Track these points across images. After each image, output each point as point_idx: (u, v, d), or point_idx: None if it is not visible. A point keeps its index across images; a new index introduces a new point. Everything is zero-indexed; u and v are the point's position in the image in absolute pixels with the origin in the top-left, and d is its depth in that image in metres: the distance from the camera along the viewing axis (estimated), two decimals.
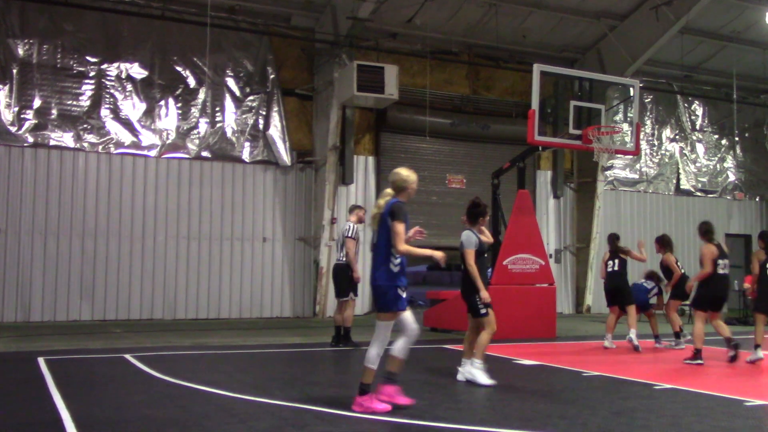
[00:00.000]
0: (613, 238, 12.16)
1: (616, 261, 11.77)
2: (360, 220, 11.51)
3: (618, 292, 11.69)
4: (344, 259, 11.21)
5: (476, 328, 8.07)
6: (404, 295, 6.26)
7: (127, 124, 15.94)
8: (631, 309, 11.49)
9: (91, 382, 7.76)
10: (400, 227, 6.19)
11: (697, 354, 9.61)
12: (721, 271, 9.75)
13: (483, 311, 7.89)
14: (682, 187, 22.28)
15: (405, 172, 6.50)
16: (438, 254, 6.73)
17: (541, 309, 13.27)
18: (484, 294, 7.86)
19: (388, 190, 6.48)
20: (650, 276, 12.54)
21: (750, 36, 20.48)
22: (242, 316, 16.71)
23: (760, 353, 9.89)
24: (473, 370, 7.76)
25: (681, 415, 6.26)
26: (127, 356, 9.63)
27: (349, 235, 11.18)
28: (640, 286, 12.28)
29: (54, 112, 15.37)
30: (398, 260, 6.28)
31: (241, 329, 14.21)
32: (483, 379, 7.65)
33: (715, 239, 9.97)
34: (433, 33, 18.27)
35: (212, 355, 10.30)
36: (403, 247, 6.22)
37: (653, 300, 12.48)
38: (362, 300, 17.79)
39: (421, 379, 8.17)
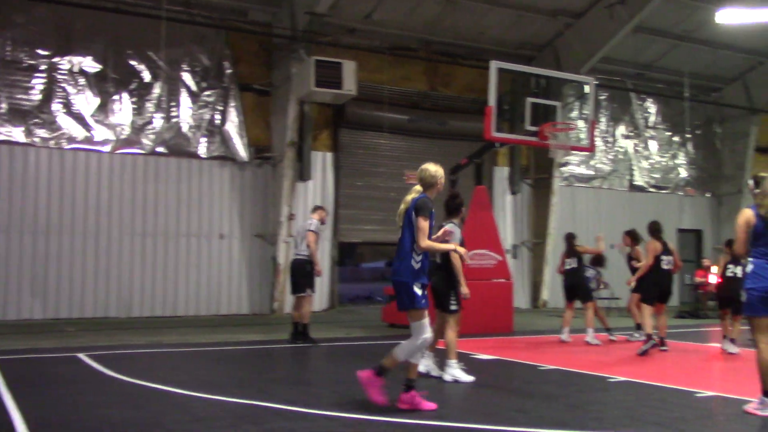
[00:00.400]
0: (569, 238, 12.34)
1: (574, 258, 11.98)
2: (322, 221, 11.51)
3: (575, 288, 11.89)
4: (303, 254, 11.15)
5: (442, 324, 7.97)
6: (421, 292, 6.17)
7: (79, 118, 15.63)
8: (588, 308, 11.70)
9: (44, 382, 7.60)
10: (423, 223, 6.13)
11: (648, 338, 10.02)
12: (664, 267, 10.40)
13: (453, 307, 7.87)
14: (635, 183, 22.66)
15: (433, 168, 6.46)
16: (461, 250, 6.78)
17: (498, 304, 13.38)
18: (466, 290, 7.86)
19: (417, 187, 6.43)
20: (594, 262, 12.75)
21: (701, 35, 20.90)
22: (199, 313, 16.53)
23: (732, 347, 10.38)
24: (453, 371, 7.78)
25: (635, 407, 6.37)
26: (81, 355, 9.46)
27: (311, 228, 11.15)
28: (583, 275, 12.48)
29: (3, 106, 15.00)
30: (420, 257, 6.20)
31: (197, 327, 14.06)
32: (463, 376, 7.70)
33: (663, 238, 10.54)
34: (392, 29, 18.29)
35: (168, 354, 10.17)
36: (425, 243, 6.16)
37: (592, 284, 12.81)
38: (320, 296, 17.77)
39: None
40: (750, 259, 6.10)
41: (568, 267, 12.00)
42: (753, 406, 6.01)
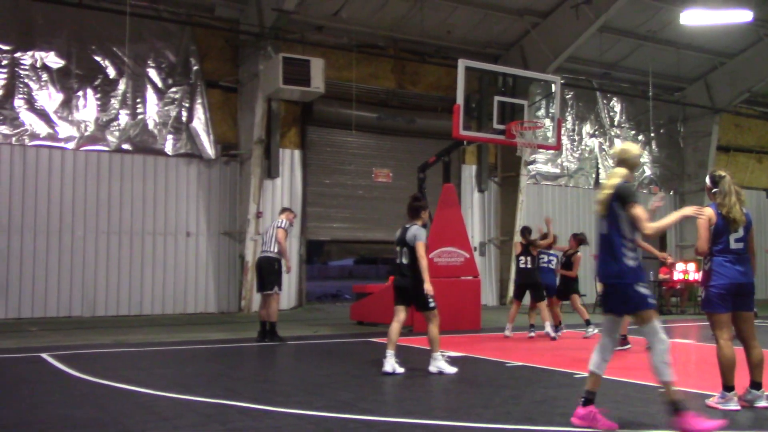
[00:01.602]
0: (525, 232, 12.41)
1: (528, 258, 12.01)
2: (291, 222, 11.54)
3: (528, 288, 12.04)
4: (272, 251, 11.08)
5: (403, 321, 8.33)
6: (647, 291, 5.48)
7: (42, 115, 15.38)
8: (542, 304, 11.85)
9: (6, 382, 7.47)
10: (639, 209, 5.38)
11: (588, 323, 11.64)
12: (521, 266, 12.06)
13: (432, 304, 8.13)
14: (601, 181, 22.91)
15: (634, 148, 5.84)
16: (687, 211, 6.03)
17: (465, 301, 13.44)
18: (428, 286, 8.08)
19: (618, 170, 5.61)
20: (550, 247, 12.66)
21: (665, 35, 21.20)
22: (165, 312, 16.37)
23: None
24: (438, 363, 8.05)
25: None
26: (44, 355, 9.31)
27: (281, 225, 11.12)
28: (546, 268, 12.49)
29: None
30: (633, 252, 5.49)
31: (163, 326, 13.93)
32: (447, 368, 8.00)
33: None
34: (359, 27, 18.27)
35: (134, 353, 10.06)
36: (653, 226, 5.41)
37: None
38: (288, 293, 17.71)
39: (347, 372, 8.18)
40: (709, 256, 6.19)
41: (522, 266, 12.05)
42: (715, 401, 6.11)
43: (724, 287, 6.03)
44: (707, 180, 6.29)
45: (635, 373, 8.18)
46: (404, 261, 8.25)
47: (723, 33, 20.67)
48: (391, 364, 7.93)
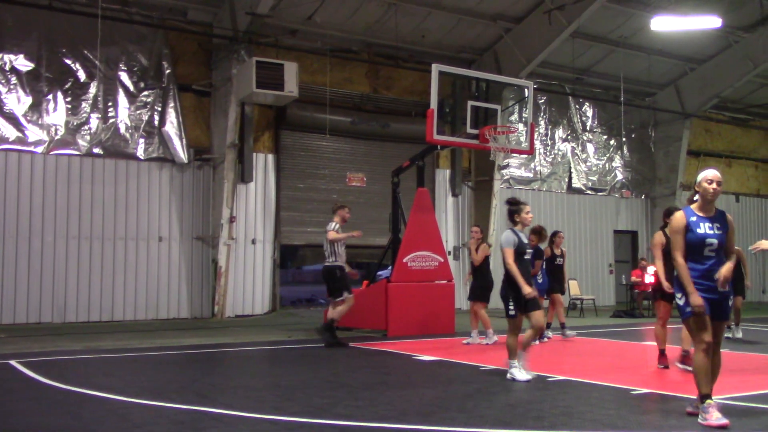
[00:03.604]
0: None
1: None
2: (344, 220, 11.80)
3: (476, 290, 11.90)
4: (330, 260, 11.51)
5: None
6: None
7: (11, 118, 15.16)
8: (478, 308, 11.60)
9: None
10: None
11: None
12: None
13: (511, 312, 7.90)
14: (573, 185, 23.11)
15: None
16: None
17: (440, 305, 13.48)
18: (527, 289, 7.80)
19: None
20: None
21: (636, 41, 21.45)
22: (137, 317, 16.19)
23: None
24: (512, 370, 7.83)
25: (573, 405, 6.49)
26: (13, 362, 9.17)
27: (330, 228, 11.54)
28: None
29: None
30: None
31: (136, 331, 13.78)
32: (520, 375, 7.75)
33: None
34: (333, 31, 18.26)
35: (105, 359, 9.94)
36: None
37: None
38: (262, 299, 17.65)
39: (321, 377, 8.15)
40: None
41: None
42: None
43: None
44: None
45: (610, 376, 8.24)
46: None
47: (693, 39, 20.97)
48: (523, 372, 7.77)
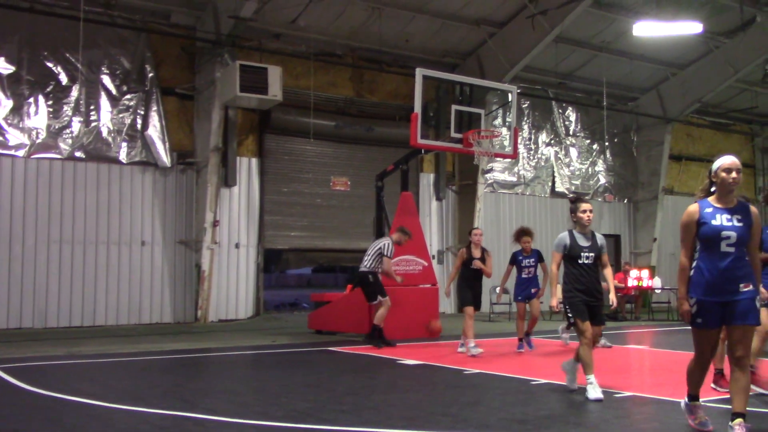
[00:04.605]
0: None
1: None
2: (399, 242, 12.24)
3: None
4: (365, 266, 11.97)
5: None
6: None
7: None
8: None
9: None
10: None
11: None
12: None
13: (572, 320, 7.18)
14: (557, 189, 23.21)
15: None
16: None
17: (424, 309, 13.46)
18: (553, 300, 7.33)
19: None
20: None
21: (618, 46, 21.61)
22: (119, 322, 16.09)
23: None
24: (587, 387, 6.93)
25: (557, 408, 6.51)
26: None
27: (386, 254, 11.92)
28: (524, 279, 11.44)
29: None
30: None
31: (118, 336, 13.69)
32: (592, 393, 6.81)
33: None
34: (317, 35, 18.25)
35: (87, 365, 9.86)
36: None
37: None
38: (245, 303, 17.61)
39: (305, 382, 8.12)
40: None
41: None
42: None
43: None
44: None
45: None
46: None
47: (674, 44, 21.14)
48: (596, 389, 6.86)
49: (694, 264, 5.30)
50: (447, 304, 20.34)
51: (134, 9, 16.43)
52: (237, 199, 17.61)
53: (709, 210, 5.24)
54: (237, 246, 17.56)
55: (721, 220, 5.19)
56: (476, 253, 10.75)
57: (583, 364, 7.03)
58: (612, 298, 7.38)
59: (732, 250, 5.16)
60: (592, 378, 6.90)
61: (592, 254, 7.18)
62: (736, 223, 5.19)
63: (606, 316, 8.71)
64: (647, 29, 18.42)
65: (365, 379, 8.49)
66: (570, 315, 7.12)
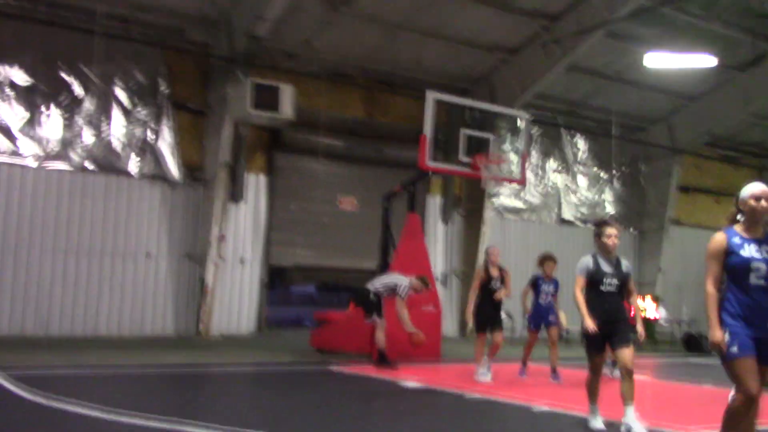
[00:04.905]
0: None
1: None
2: (415, 289, 11.97)
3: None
4: (371, 286, 11.96)
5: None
6: None
7: (5, 131, 15.11)
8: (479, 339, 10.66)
9: None
10: None
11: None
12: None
13: (587, 350, 6.85)
14: (563, 217, 23.17)
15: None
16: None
17: (426, 331, 13.35)
18: (587, 322, 6.73)
19: None
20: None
21: (629, 76, 21.65)
22: (121, 333, 16.06)
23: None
24: (625, 419, 6.64)
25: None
26: None
27: (401, 294, 11.74)
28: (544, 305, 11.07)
29: None
30: None
31: (119, 347, 13.68)
32: (635, 426, 6.55)
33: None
34: (331, 56, 18.35)
35: (87, 375, 9.85)
36: None
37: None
38: (248, 318, 17.59)
39: (307, 401, 8.10)
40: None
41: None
42: None
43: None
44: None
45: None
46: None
47: (686, 76, 21.15)
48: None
49: (724, 294, 4.98)
50: (450, 327, 20.28)
51: (150, 25, 16.58)
52: (244, 215, 17.64)
53: (737, 240, 4.98)
54: (242, 261, 17.57)
55: (750, 251, 4.93)
56: (494, 272, 10.50)
57: (588, 391, 6.89)
58: (639, 329, 7.06)
59: (762, 282, 4.89)
60: (594, 407, 6.79)
61: (615, 281, 6.87)
62: (765, 255, 4.92)
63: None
64: (658, 60, 18.48)
65: (367, 401, 8.46)
66: (585, 345, 6.91)
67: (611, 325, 6.76)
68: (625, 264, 7.07)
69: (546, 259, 11.07)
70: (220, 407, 7.70)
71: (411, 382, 10.00)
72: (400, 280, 12.06)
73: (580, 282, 6.91)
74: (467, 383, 10.14)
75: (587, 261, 6.94)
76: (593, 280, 6.85)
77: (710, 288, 4.97)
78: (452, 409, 8.09)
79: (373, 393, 8.57)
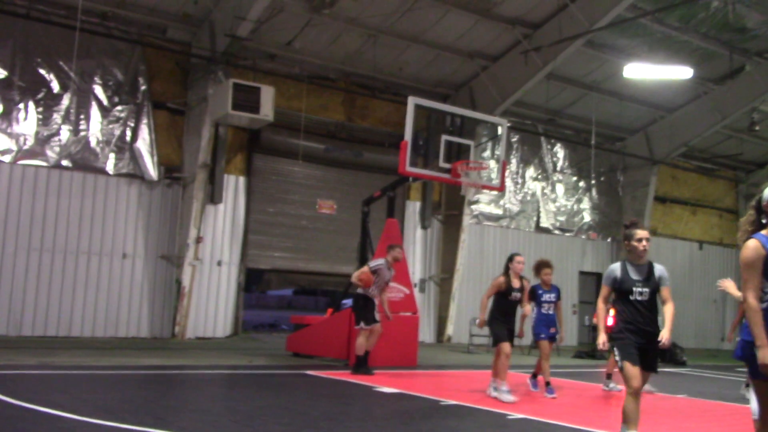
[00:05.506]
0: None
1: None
2: (389, 264, 11.90)
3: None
4: (363, 290, 11.70)
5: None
6: None
7: None
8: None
9: None
10: None
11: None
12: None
13: (619, 364, 6.17)
14: (541, 224, 23.31)
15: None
16: None
17: (403, 337, 13.41)
18: (601, 337, 6.42)
19: None
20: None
21: (609, 86, 21.87)
22: (95, 334, 15.90)
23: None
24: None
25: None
26: None
27: (370, 265, 11.78)
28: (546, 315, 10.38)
29: None
30: None
31: (93, 348, 13.53)
32: None
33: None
34: (312, 58, 18.35)
35: (60, 376, 9.72)
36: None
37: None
38: (224, 322, 17.48)
39: (280, 404, 8.05)
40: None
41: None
42: None
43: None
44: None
45: (570, 416, 8.25)
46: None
47: (664, 88, 21.43)
48: None
49: (764, 306, 4.34)
50: (427, 333, 20.30)
51: (131, 21, 16.46)
52: (222, 217, 17.55)
53: None
54: (219, 264, 17.47)
55: None
56: (516, 283, 9.63)
57: (624, 416, 6.00)
58: (664, 335, 6.12)
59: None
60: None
61: (646, 290, 6.21)
62: None
63: (585, 354, 7.97)
64: (638, 71, 18.68)
65: (341, 405, 8.43)
66: (618, 358, 6.16)
67: (645, 339, 6.17)
68: (659, 269, 6.36)
69: (542, 266, 10.34)
70: (192, 410, 7.63)
71: (386, 386, 9.98)
72: (377, 261, 12.07)
73: (604, 292, 6.43)
74: (442, 389, 10.12)
75: (615, 269, 6.35)
76: (621, 289, 6.26)
77: (753, 301, 4.30)
78: (426, 413, 8.08)
79: (348, 397, 8.53)
